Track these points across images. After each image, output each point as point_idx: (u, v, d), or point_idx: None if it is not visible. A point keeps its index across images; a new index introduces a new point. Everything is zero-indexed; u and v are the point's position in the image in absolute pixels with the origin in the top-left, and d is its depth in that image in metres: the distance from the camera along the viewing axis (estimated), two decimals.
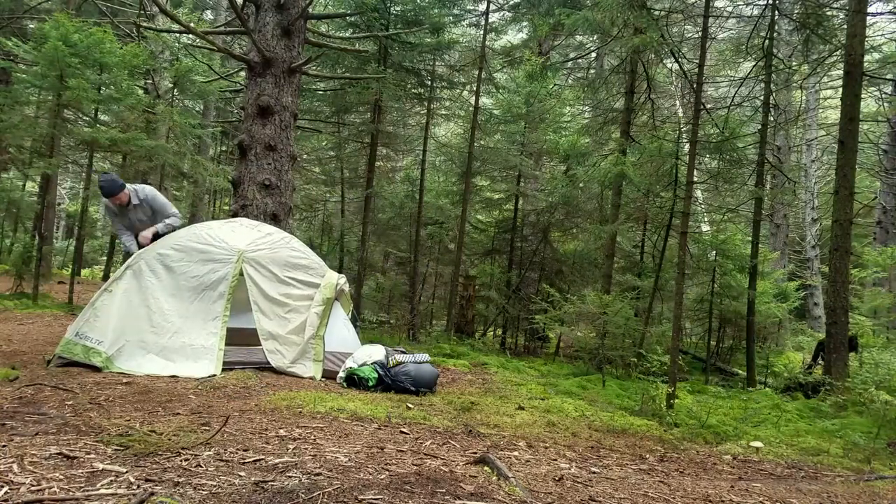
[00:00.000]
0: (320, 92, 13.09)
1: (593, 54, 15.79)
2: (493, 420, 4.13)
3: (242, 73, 9.75)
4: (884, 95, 12.99)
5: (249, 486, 2.09)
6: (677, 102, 15.47)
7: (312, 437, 3.01)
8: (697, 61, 6.55)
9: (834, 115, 18.14)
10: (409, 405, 4.29)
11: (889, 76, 12.46)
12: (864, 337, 8.82)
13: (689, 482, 3.03)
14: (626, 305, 8.31)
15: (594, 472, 3.01)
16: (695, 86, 6.68)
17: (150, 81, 13.00)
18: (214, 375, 4.65)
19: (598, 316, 7.64)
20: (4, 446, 2.35)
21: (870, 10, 9.07)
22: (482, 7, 13.48)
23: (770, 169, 10.94)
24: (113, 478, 2.08)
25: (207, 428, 2.97)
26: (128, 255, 5.30)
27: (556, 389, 6.29)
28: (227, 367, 4.97)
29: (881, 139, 13.91)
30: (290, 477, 2.25)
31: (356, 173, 14.45)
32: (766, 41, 8.97)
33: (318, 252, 11.83)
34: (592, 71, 16.12)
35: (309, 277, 5.50)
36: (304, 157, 15.16)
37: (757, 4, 10.45)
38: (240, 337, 5.59)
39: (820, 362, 8.01)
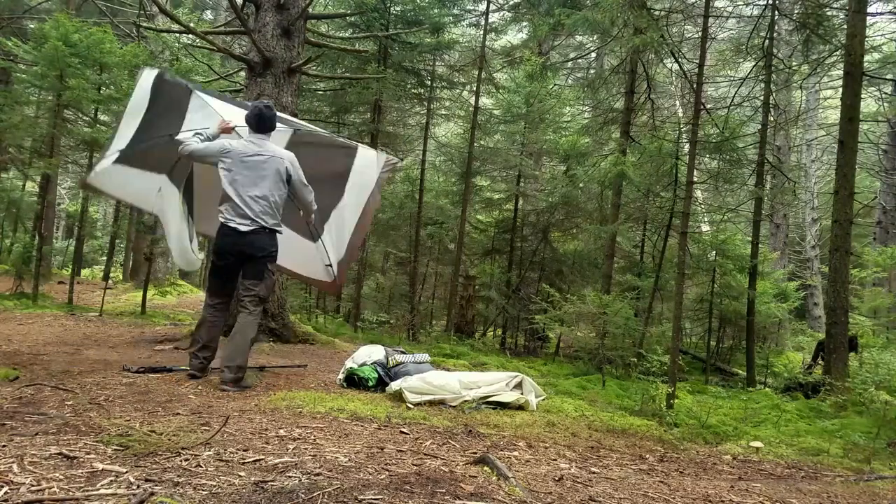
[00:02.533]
0: (320, 92, 13.09)
1: (593, 54, 15.80)
2: (493, 420, 4.13)
3: (242, 73, 9.75)
4: (884, 95, 12.99)
5: (249, 486, 2.09)
6: (677, 102, 15.47)
7: (312, 438, 3.01)
8: (697, 61, 6.56)
9: (834, 115, 18.15)
10: (410, 405, 4.29)
11: (889, 76, 12.46)
12: (864, 337, 8.83)
13: (689, 482, 3.03)
14: (626, 305, 8.31)
15: (594, 472, 3.01)
16: (695, 86, 6.68)
17: None
18: None
19: (597, 316, 7.65)
20: (4, 446, 2.35)
21: (870, 10, 9.08)
22: (482, 7, 13.49)
23: (770, 169, 10.95)
24: (113, 478, 2.08)
25: (207, 428, 2.97)
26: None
27: (556, 389, 6.29)
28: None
29: (881, 139, 13.91)
30: (289, 477, 2.25)
31: None
32: (766, 41, 8.98)
33: None
34: (592, 71, 16.13)
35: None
36: None
37: (757, 4, 10.47)
38: None
39: (820, 362, 8.01)
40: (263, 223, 4.36)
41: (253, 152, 4.38)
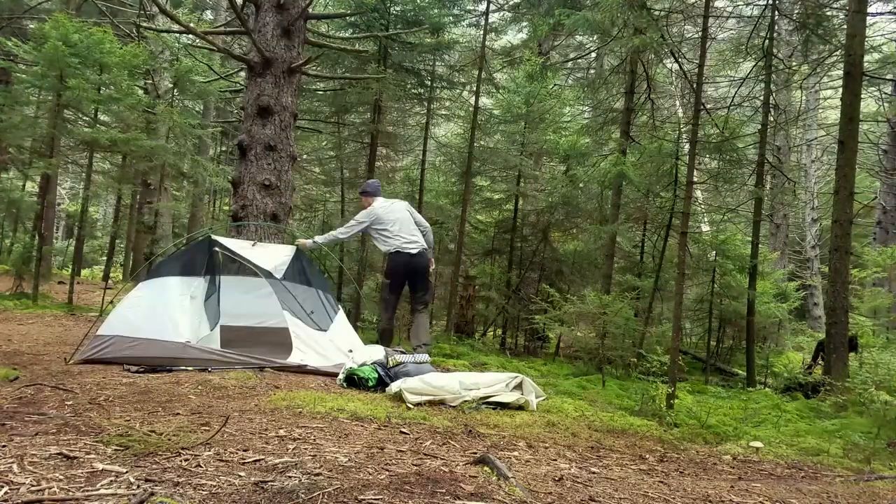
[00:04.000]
0: (320, 92, 13.09)
1: (593, 54, 15.79)
2: (493, 420, 4.13)
3: (242, 73, 9.76)
4: (884, 95, 12.99)
5: (249, 486, 2.09)
6: (677, 102, 15.47)
7: (312, 438, 3.01)
8: (697, 61, 6.55)
9: (834, 115, 18.15)
10: (409, 405, 4.29)
11: (889, 76, 12.46)
12: (864, 337, 8.82)
13: (689, 482, 3.03)
14: (626, 305, 8.31)
15: (594, 473, 3.01)
16: (695, 86, 6.68)
17: (150, 81, 13.00)
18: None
19: (597, 316, 7.64)
20: (4, 446, 2.35)
21: (870, 10, 9.07)
22: (482, 7, 13.50)
23: (770, 169, 10.95)
24: (113, 478, 2.08)
25: (207, 428, 2.97)
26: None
27: (556, 389, 6.29)
28: (228, 367, 4.98)
29: (881, 139, 13.90)
30: (289, 477, 2.25)
31: (356, 173, 14.45)
32: (766, 41, 8.97)
33: (317, 252, 11.83)
34: (592, 71, 16.13)
35: None
36: (304, 157, 15.16)
37: (757, 4, 10.46)
38: (239, 336, 5.59)
39: (820, 362, 8.00)
40: (423, 246, 6.17)
41: (389, 205, 6.29)
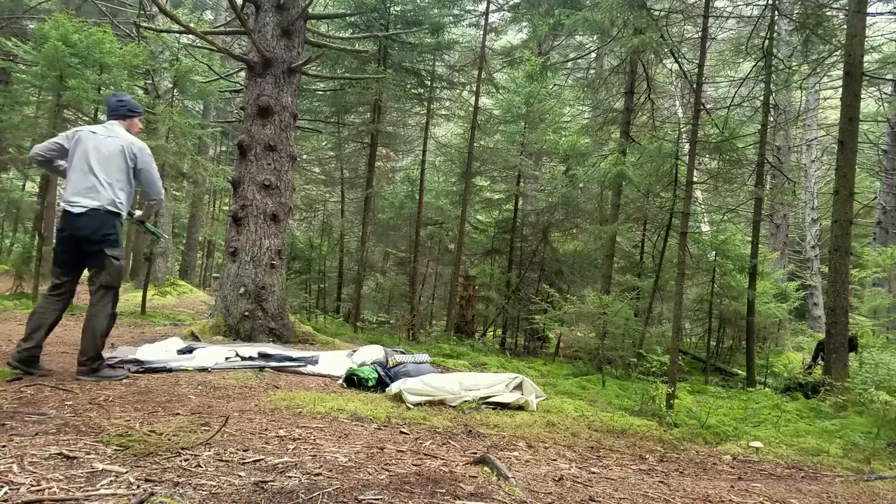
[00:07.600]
0: (320, 92, 13.09)
1: (593, 54, 15.79)
2: (493, 420, 4.13)
3: (242, 73, 9.76)
4: (884, 95, 12.99)
5: (249, 487, 2.09)
6: (677, 102, 15.48)
7: (312, 438, 3.01)
8: (697, 61, 6.55)
9: (834, 115, 18.14)
10: (409, 405, 4.29)
11: (889, 76, 12.46)
12: (864, 337, 8.82)
13: (689, 482, 3.03)
14: (626, 306, 8.31)
15: (594, 473, 3.01)
16: (695, 86, 6.68)
17: (150, 81, 13.00)
18: None
19: (597, 316, 7.65)
20: (4, 446, 2.35)
21: (870, 10, 9.07)
22: (482, 7, 13.49)
23: (770, 169, 10.94)
24: (113, 478, 2.08)
25: (207, 428, 2.97)
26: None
27: (556, 389, 6.29)
28: (227, 367, 5.00)
29: (881, 139, 13.90)
30: (289, 477, 2.25)
31: (356, 173, 14.46)
32: (766, 41, 8.97)
33: (318, 252, 11.85)
34: (592, 71, 16.12)
35: None
36: (304, 157, 15.16)
37: (757, 4, 10.45)
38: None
39: (820, 362, 8.00)
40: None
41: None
